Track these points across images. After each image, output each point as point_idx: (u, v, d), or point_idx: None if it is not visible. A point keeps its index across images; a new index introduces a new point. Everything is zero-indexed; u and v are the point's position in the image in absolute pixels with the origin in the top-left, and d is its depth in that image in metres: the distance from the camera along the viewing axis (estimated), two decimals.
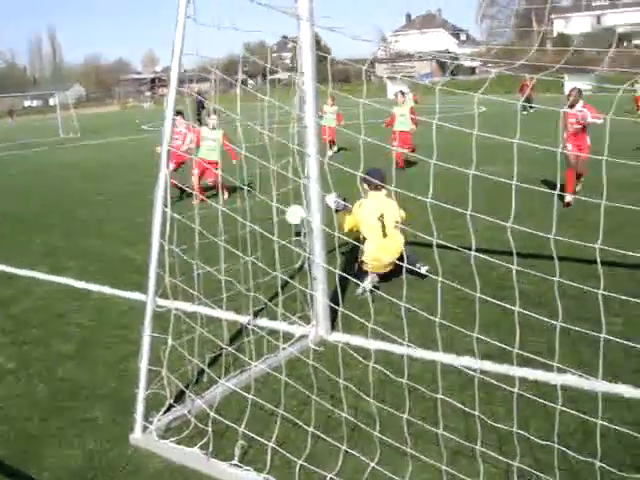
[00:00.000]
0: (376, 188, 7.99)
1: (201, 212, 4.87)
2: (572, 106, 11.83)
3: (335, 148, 21.17)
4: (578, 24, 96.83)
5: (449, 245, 5.00)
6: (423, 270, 7.69)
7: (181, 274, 5.10)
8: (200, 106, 29.74)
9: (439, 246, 4.22)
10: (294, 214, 7.25)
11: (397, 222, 7.83)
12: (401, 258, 7.48)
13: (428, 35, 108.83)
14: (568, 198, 11.35)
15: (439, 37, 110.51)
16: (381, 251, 7.77)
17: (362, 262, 7.78)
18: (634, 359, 5.29)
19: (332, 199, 7.70)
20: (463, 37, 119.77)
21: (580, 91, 12.43)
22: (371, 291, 7.54)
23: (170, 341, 4.91)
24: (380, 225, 7.87)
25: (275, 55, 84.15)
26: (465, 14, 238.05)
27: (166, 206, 4.73)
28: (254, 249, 5.47)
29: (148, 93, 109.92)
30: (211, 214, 5.03)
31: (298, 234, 6.36)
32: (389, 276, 7.93)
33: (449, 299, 6.67)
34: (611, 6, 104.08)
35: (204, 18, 4.75)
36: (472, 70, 74.17)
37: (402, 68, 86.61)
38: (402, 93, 20.16)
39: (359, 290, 7.63)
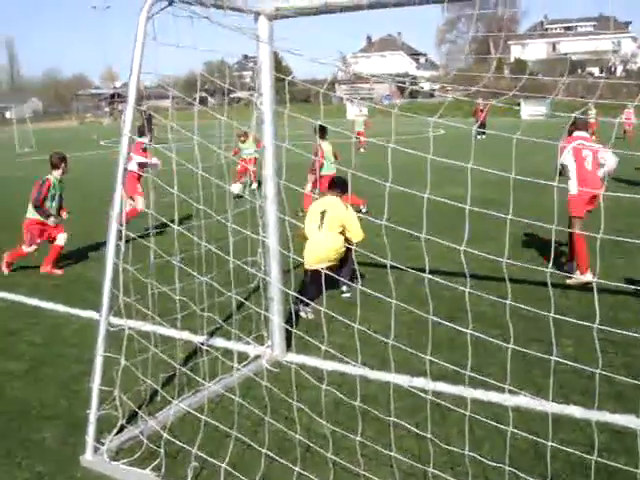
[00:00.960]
0: (332, 190, 8.40)
1: (157, 230, 4.84)
2: (570, 134, 8.92)
3: (255, 185, 17.17)
4: (534, 50, 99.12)
5: (402, 267, 5.03)
6: (345, 293, 8.36)
7: (136, 293, 5.04)
8: (149, 122, 29.46)
9: (394, 267, 4.25)
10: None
11: (343, 225, 8.05)
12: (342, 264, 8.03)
13: (388, 58, 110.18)
14: (588, 277, 7.97)
15: (399, 60, 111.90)
16: (311, 243, 8.03)
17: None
18: (584, 380, 5.37)
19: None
20: (422, 60, 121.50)
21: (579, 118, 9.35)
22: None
23: (123, 361, 4.84)
24: (319, 219, 8.08)
25: (236, 74, 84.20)
26: (425, 38, 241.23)
27: (121, 224, 4.69)
28: (210, 268, 5.44)
29: (107, 109, 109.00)
30: (167, 232, 5.00)
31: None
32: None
33: (405, 320, 6.70)
34: (566, 34, 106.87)
35: (164, 36, 4.76)
36: (431, 93, 75.12)
37: (362, 90, 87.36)
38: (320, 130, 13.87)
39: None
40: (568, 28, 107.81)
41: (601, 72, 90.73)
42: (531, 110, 57.32)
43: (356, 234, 8.07)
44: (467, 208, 3.76)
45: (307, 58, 4.85)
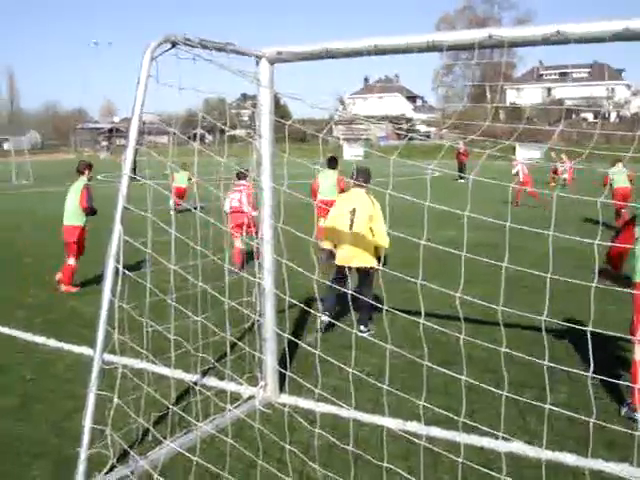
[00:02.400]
0: (358, 185, 8.54)
1: (153, 269, 4.85)
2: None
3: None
4: (529, 95, 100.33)
5: (397, 312, 5.05)
6: (363, 332, 8.12)
7: (131, 330, 5.04)
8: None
9: (389, 310, 4.26)
10: None
11: (370, 219, 8.23)
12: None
13: (385, 99, 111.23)
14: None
15: (396, 101, 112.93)
16: (343, 242, 8.29)
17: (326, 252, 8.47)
18: (579, 427, 5.35)
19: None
20: (419, 103, 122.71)
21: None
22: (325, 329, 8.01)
23: (116, 399, 4.82)
24: (349, 217, 8.29)
25: (234, 111, 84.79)
26: (422, 81, 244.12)
27: (118, 262, 4.70)
28: (204, 308, 5.44)
29: (105, 143, 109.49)
30: (163, 271, 5.01)
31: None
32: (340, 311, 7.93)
33: (398, 363, 6.68)
34: (561, 80, 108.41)
35: (166, 74, 4.83)
36: (427, 135, 75.84)
37: (359, 131, 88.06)
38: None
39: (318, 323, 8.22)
40: (563, 74, 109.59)
41: (595, 118, 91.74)
42: (526, 154, 57.89)
43: (380, 237, 8.29)
44: (463, 255, 3.79)
45: (308, 103, 4.93)
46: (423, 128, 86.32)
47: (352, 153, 68.41)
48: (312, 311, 8.07)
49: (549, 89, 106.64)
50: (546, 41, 4.39)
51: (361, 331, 8.16)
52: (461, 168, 35.93)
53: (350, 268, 7.94)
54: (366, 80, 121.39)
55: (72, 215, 11.23)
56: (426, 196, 4.07)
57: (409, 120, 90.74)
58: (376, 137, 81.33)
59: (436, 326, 4.85)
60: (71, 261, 11.29)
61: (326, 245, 8.63)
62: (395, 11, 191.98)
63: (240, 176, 11.72)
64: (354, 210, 8.29)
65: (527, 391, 5.91)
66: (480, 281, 9.33)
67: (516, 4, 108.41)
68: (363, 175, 8.57)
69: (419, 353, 4.76)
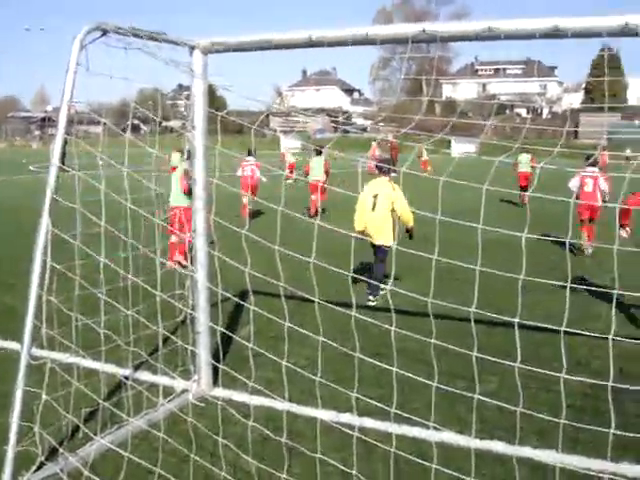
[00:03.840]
0: (382, 173, 10.29)
1: (82, 262, 4.76)
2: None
3: None
4: (465, 90, 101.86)
5: (331, 305, 5.08)
6: (372, 301, 9.76)
7: (60, 325, 4.94)
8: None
9: (322, 303, 4.28)
10: None
11: (392, 203, 9.81)
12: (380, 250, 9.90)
13: (322, 92, 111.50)
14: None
15: (333, 94, 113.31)
16: (368, 222, 9.90)
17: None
18: (507, 416, 5.47)
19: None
20: (356, 95, 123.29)
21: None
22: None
23: (44, 395, 4.72)
24: (372, 202, 9.88)
25: (170, 102, 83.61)
26: (359, 74, 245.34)
27: (46, 255, 4.60)
28: (137, 301, 5.37)
29: (37, 132, 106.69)
30: (93, 263, 4.92)
31: None
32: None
33: (331, 355, 6.72)
34: (495, 75, 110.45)
35: (98, 63, 4.74)
36: (364, 128, 76.21)
37: (296, 123, 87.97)
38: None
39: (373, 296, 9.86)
40: (497, 70, 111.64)
41: (528, 113, 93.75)
42: (461, 148, 58.78)
43: (404, 211, 9.81)
44: (394, 247, 3.83)
45: (241, 95, 4.91)
46: (359, 121, 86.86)
47: (288, 145, 68.31)
48: (245, 304, 8.02)
49: (484, 84, 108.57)
50: (478, 37, 4.47)
51: (369, 300, 9.81)
52: (393, 161, 36.01)
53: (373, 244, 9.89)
54: (304, 72, 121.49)
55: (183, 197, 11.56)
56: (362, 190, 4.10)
57: (345, 113, 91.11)
58: (313, 129, 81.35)
59: (367, 318, 4.90)
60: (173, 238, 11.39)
61: (358, 232, 9.71)
62: (335, 4, 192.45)
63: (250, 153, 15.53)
64: (376, 195, 9.87)
65: (458, 381, 6.02)
66: (412, 274, 9.46)
67: (452, 0, 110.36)
68: (384, 167, 10.42)
69: (351, 345, 4.80)
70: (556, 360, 6.97)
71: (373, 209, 9.87)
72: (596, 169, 14.59)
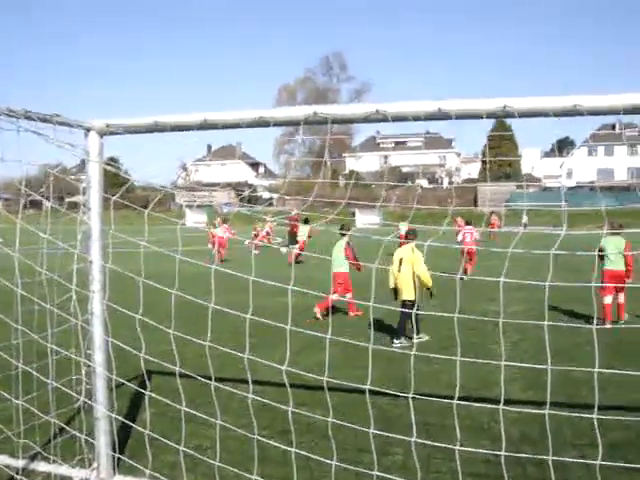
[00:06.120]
0: (407, 240, 12.50)
1: None
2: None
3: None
4: (368, 162, 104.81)
5: (229, 388, 5.03)
6: (396, 343, 11.85)
7: None
8: None
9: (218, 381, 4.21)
10: None
11: (412, 265, 12.01)
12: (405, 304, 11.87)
13: (228, 166, 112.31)
14: None
15: (239, 168, 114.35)
16: (397, 280, 12.17)
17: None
18: None
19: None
20: (261, 169, 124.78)
21: None
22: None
23: None
24: (398, 264, 12.22)
25: (74, 177, 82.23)
26: (264, 148, 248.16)
27: None
28: (29, 388, 5.19)
29: None
30: None
31: None
32: None
33: (237, 435, 6.63)
34: (396, 148, 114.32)
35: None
36: (270, 202, 76.93)
37: (201, 197, 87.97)
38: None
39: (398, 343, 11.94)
40: (399, 143, 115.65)
41: (429, 183, 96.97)
42: (365, 219, 59.85)
43: (420, 273, 11.85)
44: (288, 327, 3.87)
45: (143, 181, 4.92)
46: (266, 194, 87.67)
47: (194, 220, 68.07)
48: (143, 391, 7.86)
49: (386, 157, 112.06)
50: (367, 119, 4.66)
51: (394, 343, 11.90)
52: (293, 236, 32.93)
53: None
54: (209, 147, 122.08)
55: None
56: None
57: (251, 186, 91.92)
58: (219, 203, 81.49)
59: (267, 400, 4.89)
60: (348, 295, 14.79)
61: (391, 289, 12.38)
62: (242, 77, 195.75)
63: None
64: (401, 260, 12.19)
65: (365, 455, 6.02)
66: (318, 347, 9.50)
67: (353, 77, 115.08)
68: (410, 234, 12.66)
69: (259, 423, 4.76)
70: (461, 428, 7.12)
71: (399, 270, 12.13)
72: (470, 227, 23.09)
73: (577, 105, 3.95)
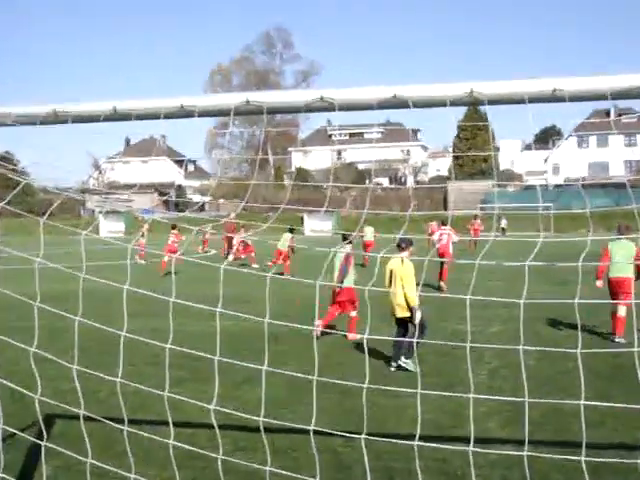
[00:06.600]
0: (400, 250, 12.66)
1: None
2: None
3: None
4: (318, 158, 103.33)
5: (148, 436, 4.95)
6: (403, 363, 11.81)
7: None
8: None
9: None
10: None
11: (401, 279, 12.02)
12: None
13: (150, 164, 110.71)
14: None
15: (163, 166, 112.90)
16: (391, 295, 12.06)
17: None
18: None
19: None
20: (191, 168, 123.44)
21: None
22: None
23: None
24: (388, 277, 12.36)
25: None
26: (193, 142, 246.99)
27: None
28: None
29: None
30: None
31: None
32: None
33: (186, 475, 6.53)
34: (351, 141, 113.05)
35: None
36: (202, 206, 76.17)
37: (118, 201, 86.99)
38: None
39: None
40: (354, 135, 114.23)
41: (390, 182, 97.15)
42: (315, 225, 59.15)
43: (407, 289, 11.87)
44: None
45: (38, 181, 4.82)
46: (196, 198, 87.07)
47: (109, 229, 67.28)
48: (40, 442, 7.70)
49: (339, 151, 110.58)
50: (310, 107, 4.63)
51: (398, 364, 11.91)
52: (229, 244, 35.91)
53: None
54: (127, 141, 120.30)
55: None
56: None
57: (179, 187, 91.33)
58: (140, 208, 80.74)
59: (194, 448, 4.82)
60: (353, 313, 14.65)
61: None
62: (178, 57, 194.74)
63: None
64: (392, 271, 12.31)
65: None
66: (261, 380, 9.44)
67: (299, 56, 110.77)
68: (403, 242, 12.73)
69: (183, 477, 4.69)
70: (425, 473, 7.13)
71: (390, 285, 12.21)
72: (448, 228, 24.07)
73: (557, 89, 3.96)
